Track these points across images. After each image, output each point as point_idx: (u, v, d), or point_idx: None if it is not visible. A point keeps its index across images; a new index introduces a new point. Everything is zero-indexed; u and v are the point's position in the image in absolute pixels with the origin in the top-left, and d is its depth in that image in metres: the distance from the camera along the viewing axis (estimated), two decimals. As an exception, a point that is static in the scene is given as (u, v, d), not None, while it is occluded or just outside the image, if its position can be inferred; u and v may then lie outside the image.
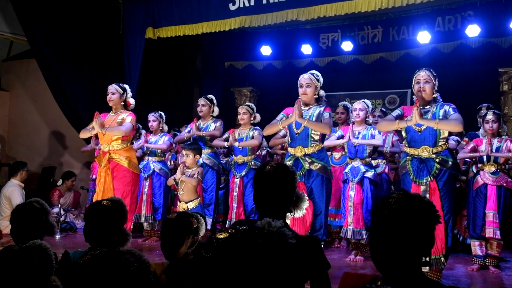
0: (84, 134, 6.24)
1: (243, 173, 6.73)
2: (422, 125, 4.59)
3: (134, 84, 9.06)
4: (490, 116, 5.65)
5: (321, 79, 5.23)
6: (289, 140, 5.27)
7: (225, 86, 12.00)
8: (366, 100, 6.27)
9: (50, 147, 10.57)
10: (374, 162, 6.28)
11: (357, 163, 5.98)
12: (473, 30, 8.96)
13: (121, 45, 9.15)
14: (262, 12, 7.98)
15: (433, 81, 4.69)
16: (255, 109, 6.99)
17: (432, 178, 4.55)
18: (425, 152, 4.59)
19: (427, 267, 4.46)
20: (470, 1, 9.07)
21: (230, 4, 8.21)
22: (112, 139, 5.98)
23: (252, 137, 6.67)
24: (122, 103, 6.12)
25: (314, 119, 5.08)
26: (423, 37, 9.44)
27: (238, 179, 6.75)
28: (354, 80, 10.90)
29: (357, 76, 10.85)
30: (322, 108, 5.14)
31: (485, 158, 5.62)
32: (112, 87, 6.11)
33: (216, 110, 7.10)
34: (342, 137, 6.19)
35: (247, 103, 7.02)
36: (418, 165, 4.61)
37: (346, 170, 6.06)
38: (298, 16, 7.76)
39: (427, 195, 4.51)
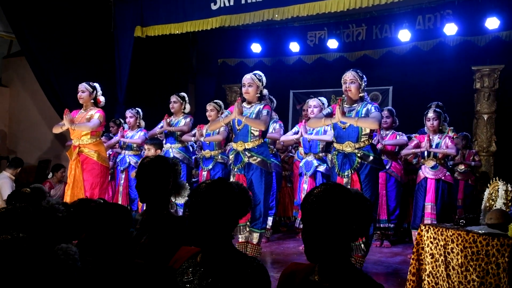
0: (56, 130, 6.60)
1: (210, 166, 7.04)
2: (346, 122, 4.91)
3: (124, 81, 9.44)
4: (431, 114, 5.94)
5: (263, 79, 5.54)
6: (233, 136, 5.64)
7: (218, 82, 12.32)
8: (321, 98, 6.58)
9: (48, 142, 10.93)
10: (333, 157, 6.60)
11: (310, 157, 6.33)
12: (451, 29, 9.13)
13: (112, 43, 9.47)
14: (241, 11, 8.33)
15: (359, 81, 5.01)
16: (222, 106, 7.32)
17: (353, 171, 4.88)
18: (348, 147, 4.92)
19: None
20: (449, 0, 9.28)
21: (212, 4, 8.57)
22: (81, 134, 6.34)
23: (218, 133, 7.00)
24: (92, 101, 6.49)
25: (254, 116, 5.41)
26: (404, 35, 9.67)
27: (206, 172, 7.08)
28: (340, 77, 11.01)
29: (342, 73, 10.86)
30: (261, 106, 5.46)
31: (426, 154, 5.93)
32: (82, 86, 6.46)
33: (188, 107, 7.42)
34: (298, 133, 6.53)
35: (215, 100, 7.32)
36: (342, 159, 4.95)
37: (301, 164, 6.42)
38: (274, 16, 8.11)
39: (349, 187, 4.83)
